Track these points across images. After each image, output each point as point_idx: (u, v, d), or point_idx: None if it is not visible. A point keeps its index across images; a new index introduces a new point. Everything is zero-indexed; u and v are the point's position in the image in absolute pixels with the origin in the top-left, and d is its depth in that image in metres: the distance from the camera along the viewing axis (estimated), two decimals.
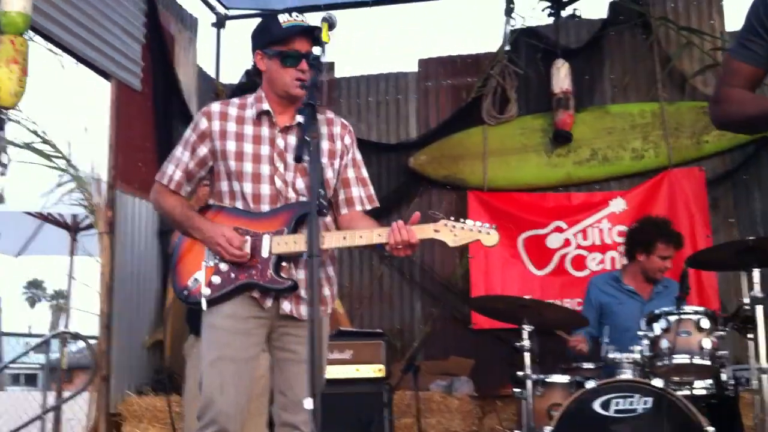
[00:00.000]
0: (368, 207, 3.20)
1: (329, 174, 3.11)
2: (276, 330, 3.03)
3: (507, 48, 6.93)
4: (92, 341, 6.15)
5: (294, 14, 3.08)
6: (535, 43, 6.92)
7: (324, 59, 2.73)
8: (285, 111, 3.09)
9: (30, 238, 9.55)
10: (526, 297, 4.40)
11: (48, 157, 5.63)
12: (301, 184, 3.04)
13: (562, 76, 6.55)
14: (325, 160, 3.09)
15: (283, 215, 3.00)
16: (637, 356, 4.01)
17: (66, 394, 6.55)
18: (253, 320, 2.98)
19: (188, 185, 3.12)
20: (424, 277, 6.97)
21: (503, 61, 6.85)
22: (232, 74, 7.80)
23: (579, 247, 6.62)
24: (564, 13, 7.21)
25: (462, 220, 3.00)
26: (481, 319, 6.24)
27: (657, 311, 4.08)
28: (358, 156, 3.26)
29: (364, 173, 3.25)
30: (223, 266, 2.97)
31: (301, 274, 3.02)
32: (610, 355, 4.06)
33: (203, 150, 3.06)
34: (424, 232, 2.94)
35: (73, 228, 8.50)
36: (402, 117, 7.31)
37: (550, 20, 7.20)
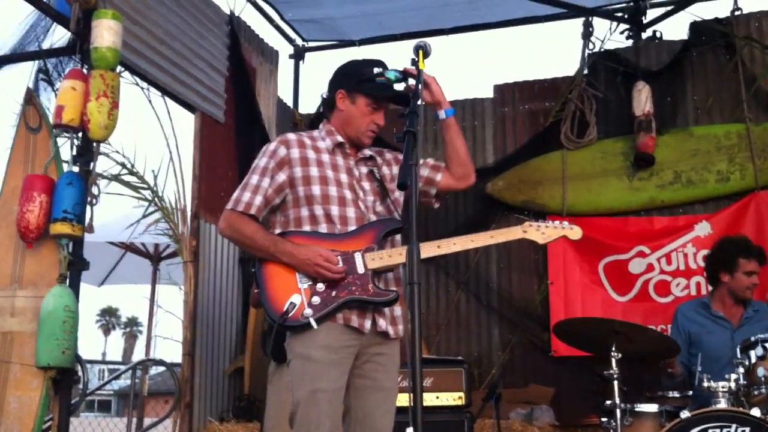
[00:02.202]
0: (441, 163, 3.27)
1: (396, 194, 3.20)
2: (360, 357, 3.04)
3: (585, 71, 6.87)
4: (175, 368, 6.26)
5: (389, 72, 3.13)
6: (615, 66, 6.83)
7: (422, 87, 2.83)
8: (353, 146, 3.22)
9: (112, 268, 9.83)
10: (617, 320, 4.30)
11: (135, 188, 5.76)
12: (380, 207, 3.15)
13: (643, 99, 6.45)
14: (390, 185, 3.20)
15: (369, 233, 3.05)
16: (733, 385, 3.88)
17: (146, 420, 6.68)
18: (345, 350, 2.98)
19: (264, 212, 3.13)
20: (502, 303, 6.90)
21: (581, 85, 6.78)
22: (309, 104, 7.94)
23: (663, 272, 6.46)
24: (644, 35, 7.09)
25: (544, 221, 3.16)
26: (561, 346, 6.13)
27: (753, 338, 3.95)
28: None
29: (431, 160, 3.33)
30: (320, 286, 2.97)
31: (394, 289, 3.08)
32: (705, 384, 3.93)
33: (282, 177, 3.10)
34: (513, 233, 3.11)
35: (155, 257, 8.74)
36: (479, 143, 7.29)
37: (630, 42, 7.09)
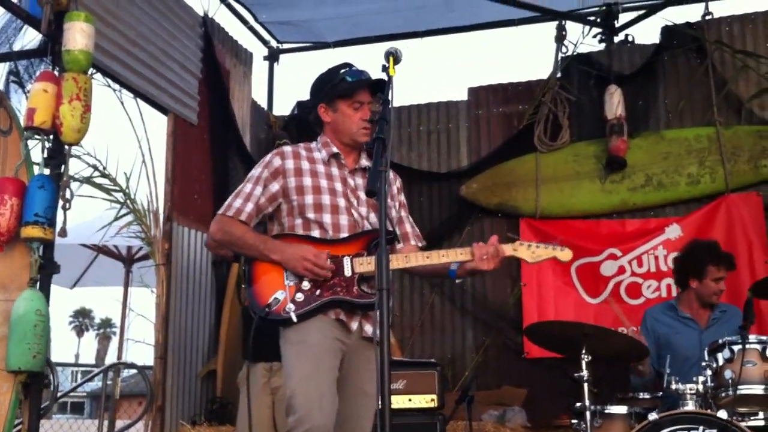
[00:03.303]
0: (420, 244, 3.40)
1: (392, 213, 3.32)
2: (348, 360, 3.11)
3: (558, 75, 6.92)
4: (147, 371, 6.23)
5: (353, 68, 3.27)
6: (588, 70, 6.89)
7: (392, 93, 2.84)
8: (350, 155, 3.31)
9: (85, 270, 9.75)
10: (586, 323, 4.34)
11: (107, 190, 5.73)
12: (374, 218, 3.22)
13: (615, 102, 6.51)
14: (388, 200, 3.21)
15: (360, 240, 3.14)
16: (700, 387, 3.94)
17: (118, 423, 6.63)
18: (337, 342, 3.07)
19: (255, 220, 3.24)
20: (476, 305, 6.93)
21: (555, 88, 6.83)
22: (284, 106, 7.92)
23: (634, 274, 6.53)
24: (616, 39, 7.15)
25: (535, 242, 3.24)
26: (534, 348, 6.18)
27: (720, 341, 4.00)
28: (404, 199, 3.49)
29: (410, 217, 3.48)
30: (306, 284, 3.07)
31: None
32: (673, 386, 3.98)
33: (275, 186, 3.21)
34: (503, 250, 3.14)
35: (128, 259, 8.68)
36: (453, 146, 7.32)
37: (602, 46, 7.15)
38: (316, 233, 3.15)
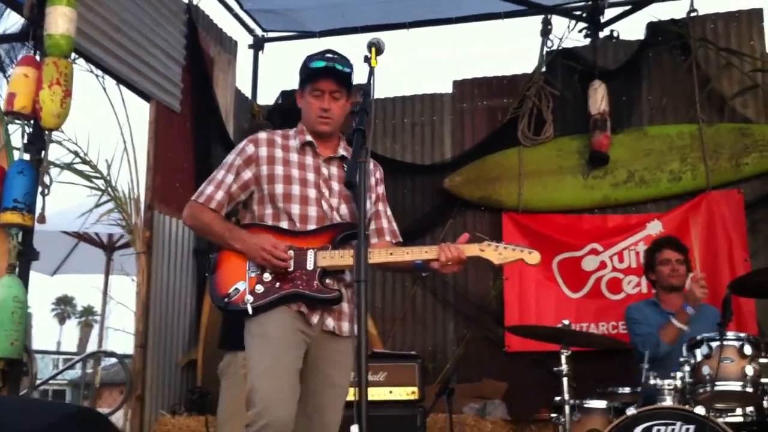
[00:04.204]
0: (394, 241, 3.33)
1: (367, 206, 3.15)
2: (313, 352, 3.08)
3: (543, 69, 6.92)
4: (127, 360, 6.20)
5: (327, 55, 3.20)
6: (572, 65, 6.88)
7: (373, 83, 2.81)
8: (326, 143, 3.25)
9: (65, 258, 9.69)
10: (565, 323, 4.35)
11: (88, 177, 5.68)
12: (344, 209, 3.17)
13: (599, 98, 6.52)
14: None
15: (327, 233, 3.10)
16: (678, 383, 3.96)
17: (100, 411, 6.59)
18: (299, 334, 3.03)
19: (227, 207, 3.21)
20: (458, 298, 6.93)
21: (539, 83, 6.83)
22: (268, 95, 7.87)
23: (615, 269, 6.55)
24: (601, 35, 7.15)
25: (504, 242, 3.13)
26: (515, 341, 6.22)
27: (699, 337, 4.02)
28: (384, 192, 3.43)
29: (389, 211, 3.41)
30: (267, 276, 3.03)
31: (343, 290, 3.11)
32: (651, 381, 4.00)
33: (248, 174, 3.17)
34: (470, 250, 3.06)
35: (109, 247, 8.63)
36: (437, 138, 7.31)
37: (587, 41, 7.15)
38: (284, 224, 3.12)
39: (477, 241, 3.08)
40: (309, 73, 3.17)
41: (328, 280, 3.06)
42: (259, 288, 3.02)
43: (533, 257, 3.09)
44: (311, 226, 3.11)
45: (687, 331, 4.56)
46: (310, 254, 3.04)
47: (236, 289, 3.03)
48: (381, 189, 3.39)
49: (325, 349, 3.09)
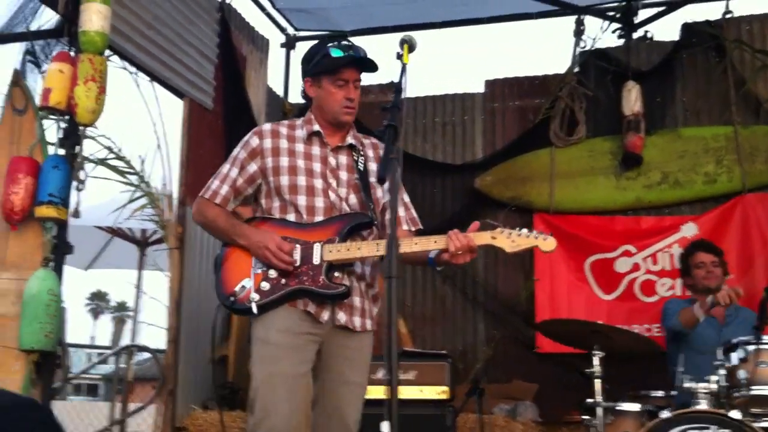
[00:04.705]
0: (413, 228, 3.23)
1: (379, 193, 3.15)
2: (326, 350, 3.02)
3: (576, 69, 6.87)
4: (159, 355, 6.23)
5: (343, 42, 3.13)
6: (605, 65, 6.82)
7: (406, 81, 2.75)
8: (335, 133, 3.18)
9: (99, 252, 9.77)
10: (598, 322, 4.32)
11: (122, 173, 5.73)
12: (353, 199, 3.10)
13: (632, 99, 6.46)
14: (374, 179, 3.08)
15: (335, 225, 3.02)
16: (714, 386, 3.91)
17: (131, 405, 6.66)
18: (306, 336, 2.95)
19: (234, 202, 3.16)
20: (488, 298, 6.91)
21: (572, 83, 6.78)
22: (299, 94, 7.87)
23: (648, 272, 6.48)
24: (635, 35, 7.09)
25: (518, 228, 2.97)
26: (546, 342, 6.15)
27: (734, 340, 3.97)
28: (400, 179, 3.25)
29: (407, 198, 3.30)
30: (273, 273, 2.97)
31: (354, 283, 3.05)
32: (686, 385, 3.95)
33: (253, 167, 3.12)
34: (481, 238, 2.93)
35: (143, 242, 8.68)
36: (468, 138, 7.29)
37: (621, 42, 7.09)
38: (291, 216, 3.04)
39: (490, 229, 2.94)
40: (330, 63, 3.07)
41: (336, 273, 2.98)
42: (265, 285, 2.95)
43: (548, 243, 2.91)
44: (319, 218, 3.03)
45: (702, 321, 4.63)
46: (317, 248, 2.96)
47: (242, 286, 2.97)
48: (396, 175, 3.32)
49: (337, 346, 3.02)
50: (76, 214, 4.58)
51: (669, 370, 4.79)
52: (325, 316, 2.99)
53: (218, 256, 3.11)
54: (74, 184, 4.58)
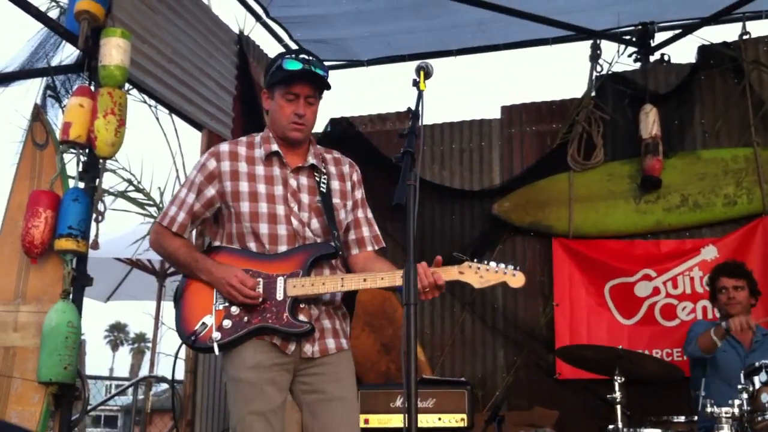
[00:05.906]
0: (376, 247, 3.17)
1: (342, 215, 3.08)
2: (300, 372, 2.95)
3: (593, 93, 6.87)
4: (177, 386, 6.23)
5: (303, 56, 3.04)
6: (622, 89, 6.81)
7: (422, 107, 2.74)
8: (294, 152, 3.08)
9: (119, 284, 9.85)
10: (619, 347, 4.28)
11: (141, 204, 5.77)
12: (316, 224, 3.01)
13: (650, 122, 6.44)
14: (337, 200, 3.06)
15: (298, 257, 2.94)
16: (736, 410, 3.85)
17: None
18: (277, 367, 2.89)
19: (192, 226, 3.07)
20: (507, 324, 6.86)
21: (589, 107, 6.77)
22: (317, 123, 7.93)
23: (669, 295, 6.41)
24: (652, 58, 7.08)
25: (486, 261, 2.94)
26: (566, 368, 6.10)
27: (757, 363, 3.91)
28: (363, 195, 3.23)
29: (370, 214, 3.22)
30: (234, 309, 2.89)
31: (322, 307, 2.97)
32: (708, 410, 3.90)
33: (211, 191, 3.01)
34: (448, 273, 2.89)
35: (161, 274, 8.74)
36: (485, 164, 7.28)
37: (637, 65, 7.08)
38: (252, 245, 2.95)
39: (458, 262, 2.90)
40: (283, 75, 2.99)
41: (302, 305, 2.92)
42: (227, 323, 2.87)
43: (517, 279, 2.90)
44: (282, 247, 2.95)
45: (724, 346, 4.64)
46: (280, 282, 2.89)
47: (203, 324, 2.88)
48: (359, 194, 3.21)
49: (314, 371, 2.95)
50: (96, 245, 4.62)
51: (692, 395, 4.75)
52: (292, 348, 2.93)
53: (178, 288, 3.02)
54: (94, 216, 4.62)
